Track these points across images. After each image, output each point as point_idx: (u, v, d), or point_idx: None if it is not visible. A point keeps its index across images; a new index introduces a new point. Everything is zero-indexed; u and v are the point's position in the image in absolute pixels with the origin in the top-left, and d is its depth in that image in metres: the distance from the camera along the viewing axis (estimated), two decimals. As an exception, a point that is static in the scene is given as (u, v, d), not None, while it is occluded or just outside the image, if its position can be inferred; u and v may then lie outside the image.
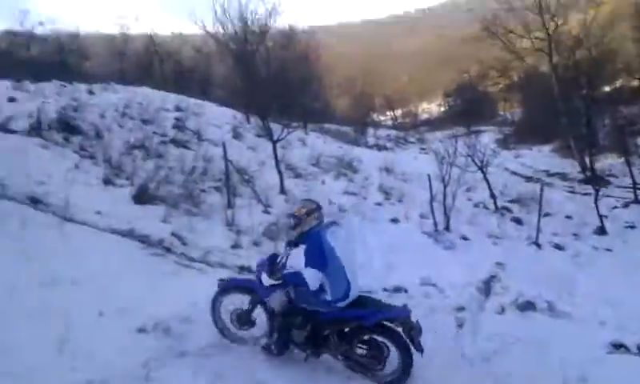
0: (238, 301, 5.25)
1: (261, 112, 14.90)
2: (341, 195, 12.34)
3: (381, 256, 8.17)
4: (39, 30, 34.50)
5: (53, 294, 5.25)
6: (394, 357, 4.83)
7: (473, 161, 15.20)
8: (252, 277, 5.73)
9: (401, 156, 20.20)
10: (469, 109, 43.28)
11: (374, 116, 44.88)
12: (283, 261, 5.17)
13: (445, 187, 12.40)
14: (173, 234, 7.70)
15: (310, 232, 5.02)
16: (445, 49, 75.36)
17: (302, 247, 4.96)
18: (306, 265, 4.82)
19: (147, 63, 35.79)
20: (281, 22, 26.45)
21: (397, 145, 24.09)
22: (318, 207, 5.22)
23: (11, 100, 13.70)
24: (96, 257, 6.32)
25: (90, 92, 17.18)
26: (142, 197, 8.95)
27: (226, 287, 5.34)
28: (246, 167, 12.63)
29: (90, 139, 11.87)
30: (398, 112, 58.69)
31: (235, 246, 8.00)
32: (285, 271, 5.06)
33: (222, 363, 4.81)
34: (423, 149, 25.16)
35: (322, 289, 4.85)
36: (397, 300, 5.94)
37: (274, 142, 12.81)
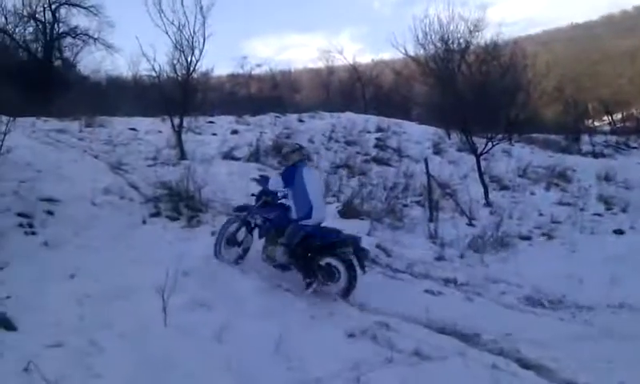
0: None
1: (462, 127, 14.58)
2: (553, 206, 11.43)
3: (603, 270, 7.33)
4: (256, 71, 38.45)
5: (271, 298, 5.70)
6: (343, 278, 6.06)
7: None
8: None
9: (622, 162, 18.06)
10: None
11: (589, 122, 41.00)
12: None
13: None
14: (377, 247, 7.84)
15: (291, 165, 6.53)
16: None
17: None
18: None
19: (350, 90, 37.45)
20: (482, 37, 25.66)
21: (617, 151, 21.59)
22: (300, 147, 7.01)
23: (234, 132, 15.44)
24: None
25: (300, 120, 18.57)
26: (348, 212, 9.33)
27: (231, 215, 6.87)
28: (448, 181, 12.45)
29: (301, 161, 12.79)
30: (617, 116, 52.78)
31: (439, 258, 7.86)
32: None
33: (427, 371, 4.72)
34: (648, 153, 22.39)
35: (285, 209, 6.39)
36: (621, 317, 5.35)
37: (478, 156, 12.43)
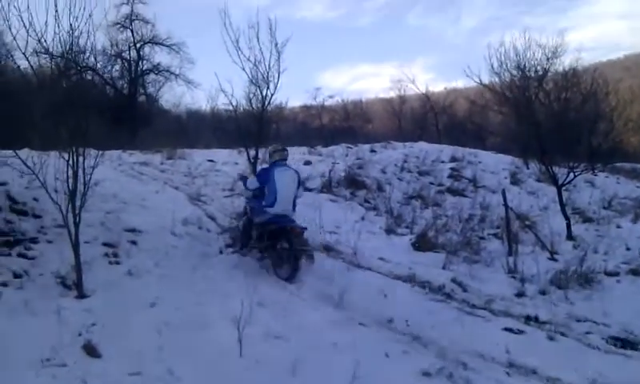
0: None
1: (541, 156, 14.07)
2: (642, 239, 10.75)
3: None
4: (329, 102, 39.01)
5: (345, 331, 5.64)
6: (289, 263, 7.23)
7: None
8: None
9: None
10: None
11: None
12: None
13: None
14: (453, 281, 7.63)
15: (270, 164, 8.18)
16: None
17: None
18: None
19: (423, 119, 37.22)
20: (561, 63, 24.86)
21: None
22: (283, 149, 8.26)
23: (307, 163, 15.62)
24: (384, 300, 6.64)
25: (372, 150, 18.55)
26: (422, 244, 9.16)
27: None
28: (527, 213, 12.00)
29: (373, 192, 12.79)
30: None
31: (520, 295, 7.52)
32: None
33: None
34: None
35: (261, 197, 7.89)
36: None
37: (559, 186, 11.92)
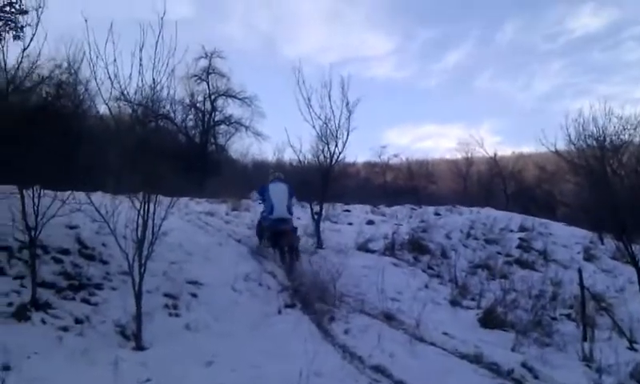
0: None
1: (621, 232, 13.27)
2: None
3: None
4: (393, 160, 38.96)
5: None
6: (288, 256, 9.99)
7: None
8: None
9: None
10: None
11: None
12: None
13: None
14: (523, 365, 7.11)
15: (269, 182, 11.07)
16: None
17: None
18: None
19: (490, 183, 36.42)
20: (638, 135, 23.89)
21: None
22: (274, 171, 11.96)
23: (370, 223, 15.44)
24: (449, 380, 6.25)
25: (437, 213, 18.17)
26: (489, 320, 8.67)
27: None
28: (603, 293, 11.23)
29: (437, 258, 12.38)
30: None
31: (595, 387, 6.94)
32: None
33: None
34: None
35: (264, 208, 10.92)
36: None
37: (639, 267, 11.13)
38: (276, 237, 10.35)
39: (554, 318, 9.65)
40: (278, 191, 10.77)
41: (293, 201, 11.11)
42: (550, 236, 16.34)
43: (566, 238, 16.58)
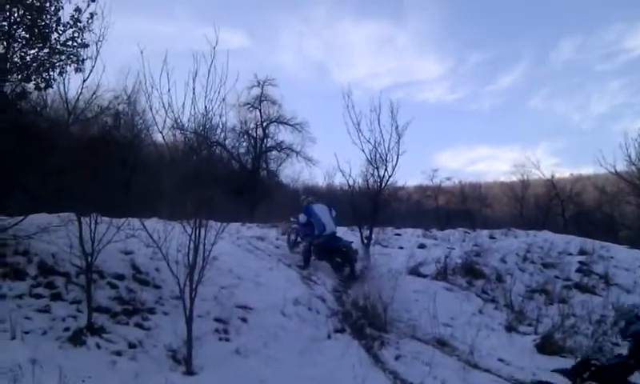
0: None
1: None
2: None
3: None
4: (445, 184, 38.43)
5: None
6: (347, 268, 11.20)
7: None
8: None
9: None
10: None
11: None
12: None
13: None
14: (583, 394, 6.80)
15: (307, 204, 12.20)
16: None
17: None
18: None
19: (547, 206, 35.29)
20: None
21: None
22: (310, 194, 14.57)
23: (421, 247, 15.20)
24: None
25: (491, 237, 17.68)
26: (547, 347, 8.33)
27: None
28: (670, 320, 10.62)
29: (492, 283, 12.03)
30: None
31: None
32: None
33: None
34: None
35: (312, 228, 11.60)
36: None
37: None
38: (333, 252, 11.36)
39: (616, 344, 9.16)
40: (324, 211, 11.89)
41: (333, 213, 12.13)
42: (612, 259, 15.60)
43: (628, 261, 15.78)
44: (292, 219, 13.26)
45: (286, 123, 37.44)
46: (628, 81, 77.20)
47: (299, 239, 12.59)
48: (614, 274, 14.11)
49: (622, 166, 24.09)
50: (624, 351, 8.93)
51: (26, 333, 6.15)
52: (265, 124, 37.33)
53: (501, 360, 7.72)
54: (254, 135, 37.33)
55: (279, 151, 37.90)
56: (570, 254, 15.54)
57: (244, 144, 37.45)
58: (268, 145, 37.89)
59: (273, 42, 72.20)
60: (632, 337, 5.48)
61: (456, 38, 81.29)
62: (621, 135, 26.73)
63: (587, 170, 37.16)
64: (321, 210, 11.90)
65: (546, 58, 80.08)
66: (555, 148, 74.16)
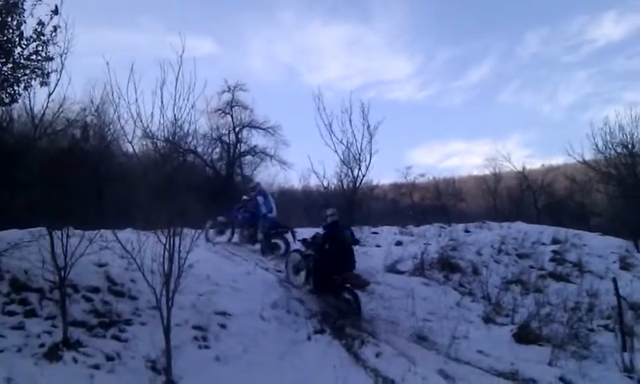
0: None
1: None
2: None
3: None
4: (420, 180, 38.75)
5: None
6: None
7: None
8: None
9: None
10: None
11: None
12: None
13: None
14: (561, 379, 6.93)
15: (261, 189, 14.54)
16: None
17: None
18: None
19: (519, 198, 35.83)
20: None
21: None
22: (257, 184, 15.32)
23: (398, 244, 15.30)
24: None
25: (467, 231, 17.91)
26: (524, 336, 8.48)
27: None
28: (641, 302, 10.88)
29: (468, 276, 12.19)
30: None
31: (641, 398, 6.70)
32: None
33: None
34: None
35: (259, 210, 13.42)
36: None
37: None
38: (274, 234, 13.52)
39: (592, 330, 9.37)
40: (269, 196, 14.28)
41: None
42: (584, 247, 15.93)
43: (600, 248, 16.14)
44: (244, 198, 14.75)
45: (258, 127, 37.25)
46: (594, 71, 79.03)
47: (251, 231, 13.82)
48: (587, 261, 14.41)
49: (590, 155, 24.56)
50: (598, 337, 9.16)
51: (1, 351, 6.03)
52: (237, 129, 37.09)
53: (480, 352, 7.83)
54: (227, 141, 37.09)
55: (253, 156, 37.69)
56: (544, 244, 15.82)
57: (217, 150, 37.19)
58: (241, 150, 37.69)
59: (242, 48, 72.01)
60: None
61: (424, 36, 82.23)
62: (589, 125, 27.13)
63: (558, 160, 37.73)
64: (267, 195, 14.07)
65: (513, 52, 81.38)
66: (527, 140, 75.29)
